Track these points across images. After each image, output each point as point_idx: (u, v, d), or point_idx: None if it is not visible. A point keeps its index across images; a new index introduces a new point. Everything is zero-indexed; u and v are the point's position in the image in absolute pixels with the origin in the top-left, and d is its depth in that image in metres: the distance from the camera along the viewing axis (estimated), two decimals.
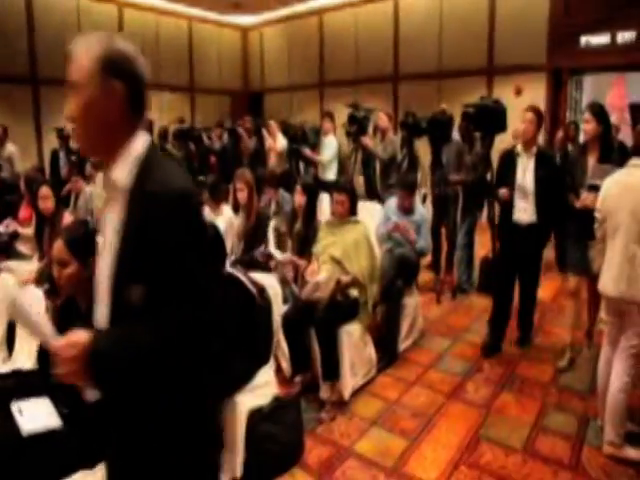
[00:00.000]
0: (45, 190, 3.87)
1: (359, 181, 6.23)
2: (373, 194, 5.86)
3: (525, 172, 3.67)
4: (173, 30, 11.68)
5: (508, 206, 3.74)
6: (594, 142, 3.34)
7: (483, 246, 5.35)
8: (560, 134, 7.09)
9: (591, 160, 3.34)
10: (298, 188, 3.82)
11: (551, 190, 3.57)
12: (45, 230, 3.86)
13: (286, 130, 7.26)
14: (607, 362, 2.78)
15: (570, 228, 3.50)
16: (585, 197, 3.19)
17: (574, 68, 8.81)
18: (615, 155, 3.32)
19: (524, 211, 3.68)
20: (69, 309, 2.07)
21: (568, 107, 9.04)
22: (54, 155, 8.02)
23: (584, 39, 8.60)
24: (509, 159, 3.78)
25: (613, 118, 8.42)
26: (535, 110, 3.65)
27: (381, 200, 5.50)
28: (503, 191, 3.71)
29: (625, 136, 9.44)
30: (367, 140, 5.91)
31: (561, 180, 3.50)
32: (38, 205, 3.86)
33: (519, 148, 3.72)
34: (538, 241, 3.77)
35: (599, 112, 3.30)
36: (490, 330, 3.92)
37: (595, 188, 3.09)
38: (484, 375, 3.53)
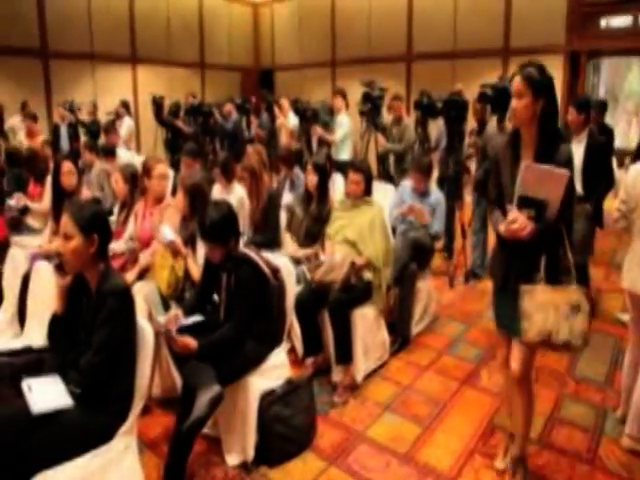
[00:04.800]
0: (68, 165, 3.80)
1: (371, 161, 6.12)
2: (386, 175, 5.75)
3: None
4: (184, 6, 11.48)
5: None
6: (528, 129, 2.05)
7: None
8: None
9: (525, 157, 2.06)
10: (309, 168, 3.69)
11: None
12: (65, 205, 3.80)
13: (297, 108, 7.13)
14: (633, 358, 2.69)
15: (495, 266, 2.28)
16: (514, 218, 1.97)
17: (592, 51, 8.58)
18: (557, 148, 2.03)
19: None
20: (79, 286, 2.02)
21: (585, 92, 8.82)
22: (55, 129, 7.94)
23: (604, 21, 8.36)
24: None
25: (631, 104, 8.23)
26: None
27: (394, 182, 5.38)
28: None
29: None
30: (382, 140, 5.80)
31: None
32: (61, 181, 3.77)
33: None
34: None
35: (538, 81, 1.98)
36: None
37: (529, 202, 1.95)
38: (498, 362, 3.45)
